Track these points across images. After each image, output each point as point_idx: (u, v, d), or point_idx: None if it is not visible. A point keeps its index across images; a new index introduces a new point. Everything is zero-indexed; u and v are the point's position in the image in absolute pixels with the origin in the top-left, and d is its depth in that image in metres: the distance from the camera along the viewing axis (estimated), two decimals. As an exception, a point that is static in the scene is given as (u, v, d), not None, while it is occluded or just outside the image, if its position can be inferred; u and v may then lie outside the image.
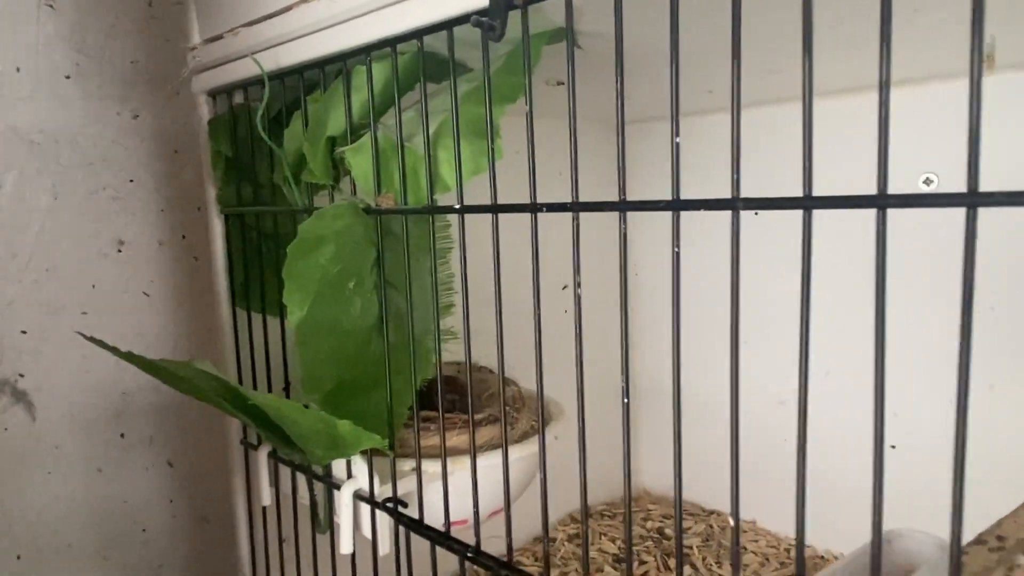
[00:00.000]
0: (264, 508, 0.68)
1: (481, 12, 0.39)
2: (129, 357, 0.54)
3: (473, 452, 0.48)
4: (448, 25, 0.43)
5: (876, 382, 0.28)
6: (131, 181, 0.85)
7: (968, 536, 0.48)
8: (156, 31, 0.85)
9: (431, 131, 0.47)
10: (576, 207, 0.38)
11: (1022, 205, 0.23)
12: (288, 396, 0.65)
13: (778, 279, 0.92)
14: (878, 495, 0.28)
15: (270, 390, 0.66)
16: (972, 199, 0.25)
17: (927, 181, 0.81)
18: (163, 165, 0.87)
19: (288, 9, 0.53)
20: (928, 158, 0.82)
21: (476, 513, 0.48)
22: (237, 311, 0.69)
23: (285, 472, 0.64)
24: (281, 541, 0.68)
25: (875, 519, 0.28)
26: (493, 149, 0.43)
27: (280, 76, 0.58)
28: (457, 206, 0.45)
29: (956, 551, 0.29)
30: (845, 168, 0.81)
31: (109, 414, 0.84)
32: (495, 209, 0.42)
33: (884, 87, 0.26)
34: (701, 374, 0.95)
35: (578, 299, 0.39)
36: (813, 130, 0.29)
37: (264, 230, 0.65)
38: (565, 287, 0.97)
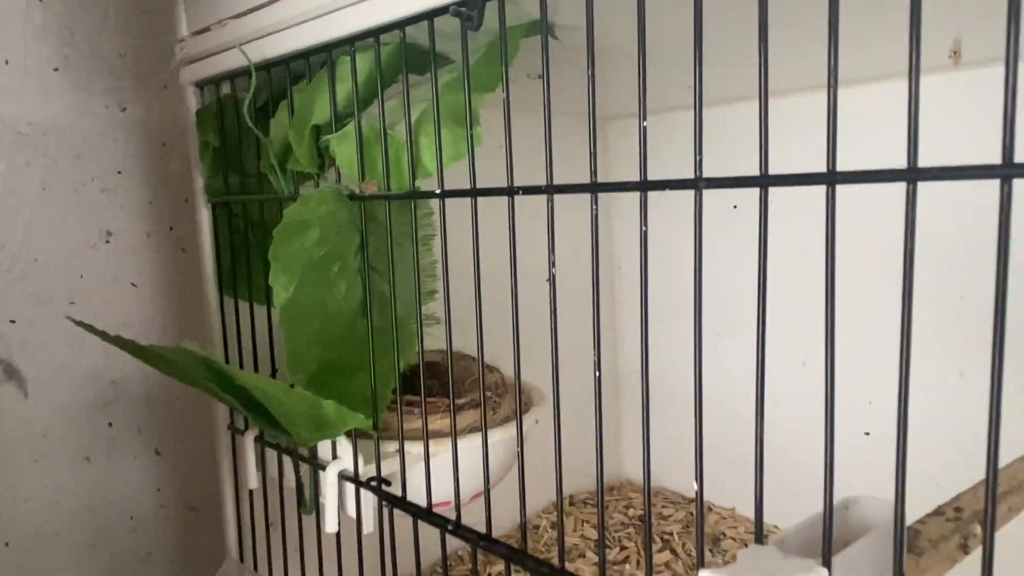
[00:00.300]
0: (251, 492, 0.69)
1: (459, 2, 0.41)
2: (118, 342, 0.55)
3: (453, 427, 0.50)
4: (428, 16, 0.45)
5: (827, 354, 0.30)
6: (119, 173, 0.86)
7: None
8: (145, 24, 0.86)
9: (413, 119, 0.49)
10: (551, 190, 0.39)
11: (954, 179, 0.25)
12: (275, 382, 0.66)
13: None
14: (829, 454, 0.30)
15: (257, 376, 0.67)
16: (911, 174, 0.26)
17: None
18: (150, 157, 0.88)
19: (274, 1, 0.55)
20: (902, 153, 0.84)
21: (456, 489, 0.50)
22: (224, 300, 0.70)
23: (271, 456, 0.65)
24: (268, 524, 0.69)
25: (827, 478, 0.30)
26: (472, 135, 0.44)
27: (267, 67, 0.59)
28: (438, 191, 0.46)
29: (900, 512, 0.31)
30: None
31: (97, 403, 0.85)
32: (474, 193, 0.44)
33: (832, 73, 0.28)
34: (684, 365, 0.97)
35: (553, 278, 0.40)
36: (769, 116, 0.31)
37: (251, 219, 0.66)
38: (549, 279, 0.99)
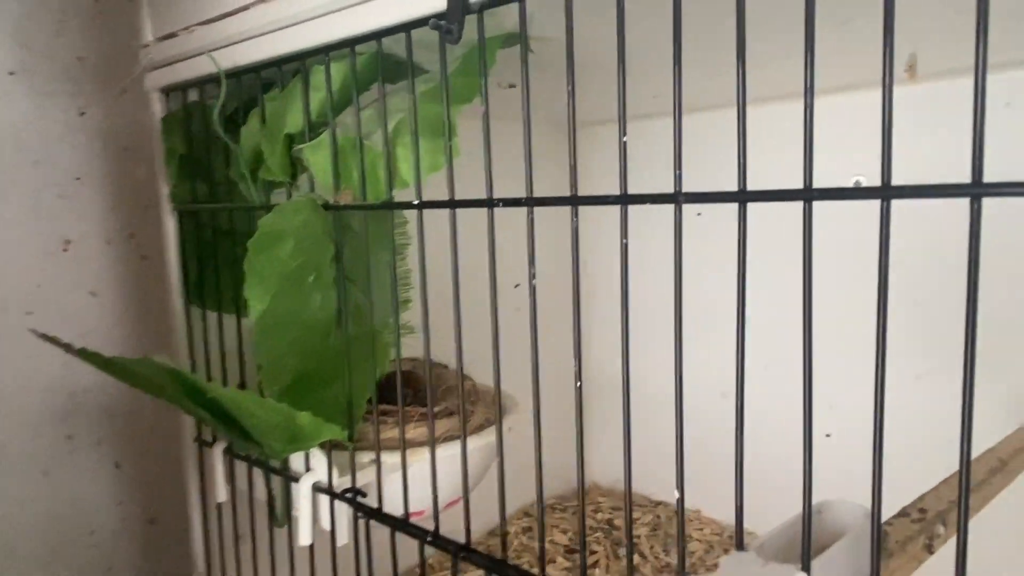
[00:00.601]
0: (219, 506, 0.68)
1: (439, 15, 0.41)
2: (83, 355, 0.53)
3: (432, 437, 0.50)
4: (406, 27, 0.45)
5: (804, 360, 0.31)
6: (77, 179, 0.84)
7: (895, 510, 0.52)
8: (104, 27, 0.84)
9: (389, 129, 0.49)
10: (530, 202, 0.40)
11: (927, 197, 0.26)
12: (244, 392, 0.65)
13: (723, 277, 0.95)
14: (808, 462, 0.31)
15: (226, 387, 0.66)
16: (885, 192, 0.27)
17: (857, 183, 0.86)
18: (111, 163, 0.86)
19: (245, 8, 0.54)
20: (858, 161, 0.87)
21: (435, 498, 0.50)
22: (191, 309, 0.69)
23: (241, 469, 0.64)
24: (237, 538, 0.68)
25: (806, 485, 0.31)
26: (450, 147, 0.44)
27: (237, 74, 0.58)
28: (416, 202, 0.46)
29: (877, 519, 0.32)
30: (794, 170, 0.86)
31: (56, 416, 0.82)
32: (452, 204, 0.44)
33: (808, 91, 0.29)
34: (649, 369, 0.98)
35: (533, 289, 0.41)
36: (747, 131, 0.32)
37: (219, 227, 0.65)
38: (518, 285, 0.99)
